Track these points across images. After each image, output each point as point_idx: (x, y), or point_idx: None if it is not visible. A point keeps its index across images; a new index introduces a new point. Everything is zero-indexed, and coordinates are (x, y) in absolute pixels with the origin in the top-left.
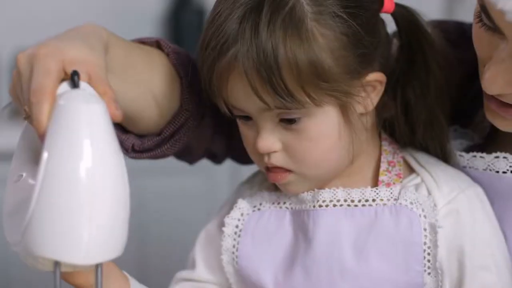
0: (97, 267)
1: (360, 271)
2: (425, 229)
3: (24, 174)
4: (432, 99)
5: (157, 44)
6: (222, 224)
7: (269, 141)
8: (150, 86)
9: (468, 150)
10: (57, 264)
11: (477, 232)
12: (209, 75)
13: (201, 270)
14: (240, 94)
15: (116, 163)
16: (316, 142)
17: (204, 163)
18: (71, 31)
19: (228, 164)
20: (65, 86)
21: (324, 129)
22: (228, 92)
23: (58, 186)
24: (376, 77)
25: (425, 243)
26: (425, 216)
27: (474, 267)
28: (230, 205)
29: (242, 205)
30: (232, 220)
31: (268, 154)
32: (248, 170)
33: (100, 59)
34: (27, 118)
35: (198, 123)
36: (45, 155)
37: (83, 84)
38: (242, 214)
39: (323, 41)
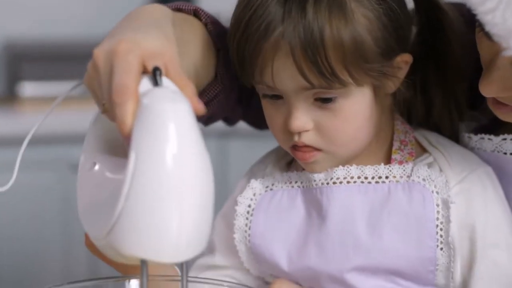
0: (183, 264)
1: (374, 246)
2: (437, 205)
3: (97, 164)
4: (452, 78)
5: (194, 12)
6: (235, 205)
7: (302, 120)
8: (193, 59)
9: (476, 131)
10: (144, 261)
11: (488, 211)
12: (252, 54)
13: (221, 255)
14: (283, 73)
15: (204, 160)
16: (348, 121)
17: None
18: (143, 18)
19: (216, 148)
20: (146, 83)
21: (358, 108)
22: (272, 71)
23: (147, 186)
24: (405, 58)
25: (437, 219)
26: (437, 192)
27: (485, 245)
28: (243, 186)
29: (255, 185)
30: (244, 199)
31: (299, 133)
32: (235, 154)
33: (175, 48)
34: (105, 112)
35: (227, 95)
36: (133, 155)
37: (164, 80)
38: (254, 194)
39: (364, 21)
